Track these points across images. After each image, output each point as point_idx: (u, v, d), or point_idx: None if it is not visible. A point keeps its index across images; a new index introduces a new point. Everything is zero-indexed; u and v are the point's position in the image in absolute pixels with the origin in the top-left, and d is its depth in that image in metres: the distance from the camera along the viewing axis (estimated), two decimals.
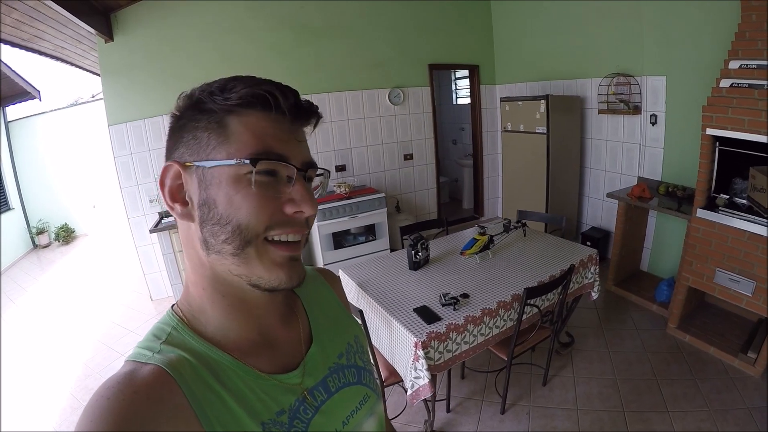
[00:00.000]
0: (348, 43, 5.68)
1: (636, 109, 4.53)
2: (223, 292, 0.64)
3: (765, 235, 2.97)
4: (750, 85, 3.01)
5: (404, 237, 3.39)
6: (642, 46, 4.40)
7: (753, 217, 3.06)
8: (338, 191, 5.33)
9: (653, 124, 4.40)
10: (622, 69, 4.56)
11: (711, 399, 2.98)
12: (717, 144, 3.31)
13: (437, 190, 6.64)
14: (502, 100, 5.66)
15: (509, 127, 5.57)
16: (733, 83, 3.10)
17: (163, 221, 4.89)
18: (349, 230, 5.38)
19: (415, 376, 2.34)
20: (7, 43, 4.62)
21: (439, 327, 2.41)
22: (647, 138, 4.51)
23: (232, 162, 0.57)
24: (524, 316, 2.66)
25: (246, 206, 0.58)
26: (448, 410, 3.06)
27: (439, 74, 8.37)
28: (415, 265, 3.12)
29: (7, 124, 8.73)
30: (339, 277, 0.97)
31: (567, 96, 5.12)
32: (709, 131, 3.25)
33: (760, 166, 3.04)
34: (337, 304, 0.89)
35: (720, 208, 3.30)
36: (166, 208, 1.64)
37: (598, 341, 3.74)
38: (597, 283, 3.19)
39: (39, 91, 8.07)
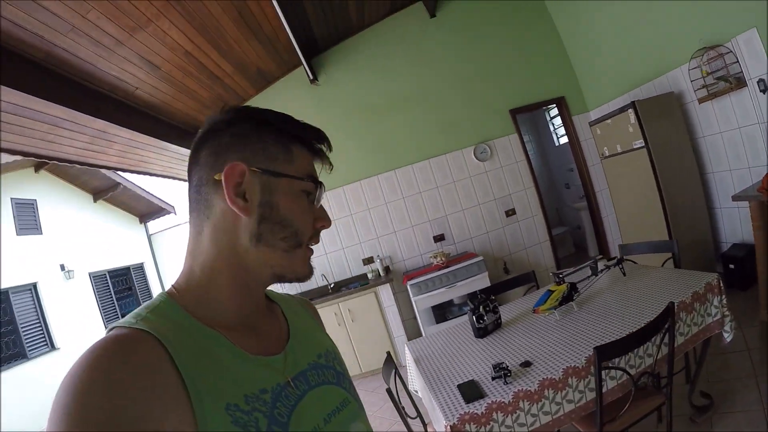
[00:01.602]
0: (419, 110, 5.57)
1: (739, 82, 3.43)
2: (239, 278, 0.73)
3: None
4: None
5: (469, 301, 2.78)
6: (718, 3, 3.47)
7: None
8: (435, 262, 4.93)
9: (764, 91, 3.25)
10: (707, 41, 3.56)
11: None
12: None
13: (551, 242, 5.76)
14: (591, 123, 4.86)
15: (606, 152, 4.70)
16: None
17: None
18: (452, 301, 4.85)
19: None
20: (118, 169, 5.16)
21: (477, 407, 1.80)
22: (765, 112, 3.38)
23: (301, 179, 0.75)
24: (610, 383, 1.91)
25: (304, 217, 0.76)
26: None
27: (534, 118, 7.80)
28: (480, 332, 2.52)
29: (149, 236, 10.96)
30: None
31: (657, 96, 4.15)
32: None
33: None
34: (312, 319, 0.98)
35: None
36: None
37: (749, 396, 2.58)
38: (729, 319, 2.21)
39: (173, 207, 9.24)
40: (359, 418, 0.84)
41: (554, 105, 6.02)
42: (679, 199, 4.12)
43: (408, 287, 4.79)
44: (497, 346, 2.35)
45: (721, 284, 2.22)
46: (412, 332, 5.34)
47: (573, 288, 2.49)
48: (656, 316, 1.85)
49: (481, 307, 2.50)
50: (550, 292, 2.43)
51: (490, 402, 1.79)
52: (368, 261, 5.38)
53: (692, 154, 4.19)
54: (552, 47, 5.79)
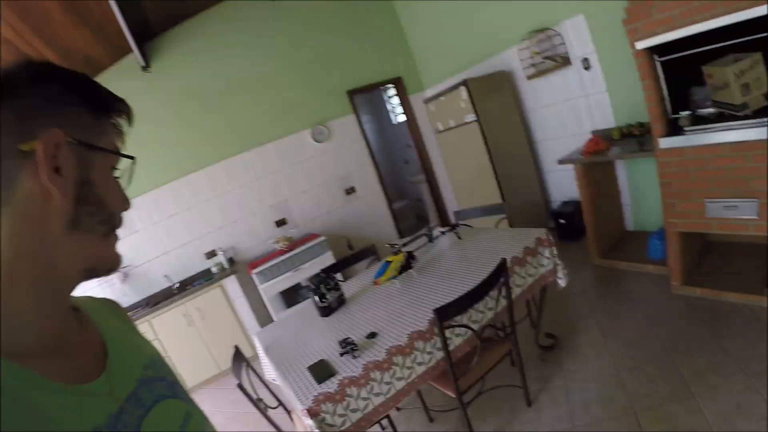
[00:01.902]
0: (257, 95, 5.33)
1: (565, 61, 3.98)
2: (45, 280, 0.57)
3: (750, 138, 2.33)
4: None
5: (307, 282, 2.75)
6: None
7: (727, 124, 2.44)
8: (278, 247, 4.80)
9: (587, 68, 3.83)
10: (537, 25, 4.05)
11: (744, 359, 2.27)
12: (655, 57, 2.72)
13: (392, 215, 6.07)
14: (425, 101, 5.16)
15: (440, 127, 5.03)
16: None
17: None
18: (299, 284, 4.82)
19: None
20: None
21: (330, 385, 1.79)
22: (587, 86, 3.94)
23: (117, 153, 0.66)
24: (456, 340, 2.04)
25: (119, 196, 0.66)
26: None
27: (373, 98, 7.97)
28: (324, 311, 2.52)
29: None
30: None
31: (488, 75, 4.58)
32: (639, 45, 2.66)
33: (713, 61, 2.44)
34: (124, 322, 0.81)
35: (685, 129, 2.66)
36: None
37: (589, 332, 3.01)
38: (561, 267, 2.52)
39: None
40: (206, 426, 0.75)
41: (392, 85, 6.22)
42: (510, 167, 4.58)
43: (253, 276, 4.62)
44: (343, 321, 2.36)
45: (550, 237, 2.49)
46: (265, 321, 5.17)
47: (410, 256, 2.61)
48: (489, 273, 1.96)
49: (321, 286, 2.47)
50: (388, 262, 2.52)
51: (341, 378, 1.79)
52: (211, 255, 5.03)
53: (521, 126, 4.71)
54: (390, 29, 6.00)
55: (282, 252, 4.76)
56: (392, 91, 7.24)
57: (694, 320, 2.72)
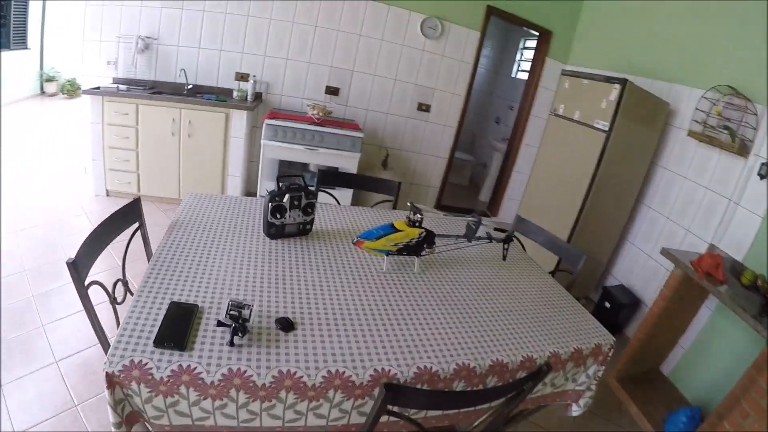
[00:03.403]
0: None
1: (743, 149, 2.80)
2: None
3: None
4: None
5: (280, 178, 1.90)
6: None
7: None
8: (309, 113, 4.00)
9: (763, 177, 2.66)
10: (740, 86, 2.87)
11: None
12: None
13: (448, 163, 5.11)
14: (564, 73, 3.98)
15: (561, 110, 3.91)
16: None
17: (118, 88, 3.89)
18: (307, 166, 4.08)
19: None
20: None
21: (167, 361, 1.06)
22: (745, 195, 2.79)
23: None
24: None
25: None
26: None
27: (506, 34, 6.75)
28: (271, 230, 1.74)
29: None
30: None
31: (652, 95, 3.41)
32: None
33: None
34: None
35: None
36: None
37: None
38: (590, 395, 1.65)
39: None
40: None
41: (537, 35, 5.04)
42: (602, 208, 3.57)
43: (264, 126, 3.86)
44: (280, 265, 1.59)
45: (610, 353, 1.61)
46: (250, 181, 4.54)
47: (428, 239, 1.76)
48: (517, 380, 1.21)
49: (288, 195, 1.70)
50: (393, 228, 1.68)
51: (187, 366, 1.06)
52: (241, 77, 4.28)
53: (643, 175, 3.61)
54: None
55: (310, 120, 3.96)
56: (532, 42, 6.00)
57: None
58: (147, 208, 3.67)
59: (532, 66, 5.11)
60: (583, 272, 3.48)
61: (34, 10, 8.07)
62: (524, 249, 2.38)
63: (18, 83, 7.83)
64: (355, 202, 4.30)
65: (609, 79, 3.36)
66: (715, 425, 2.10)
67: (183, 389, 1.04)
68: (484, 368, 1.31)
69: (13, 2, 7.40)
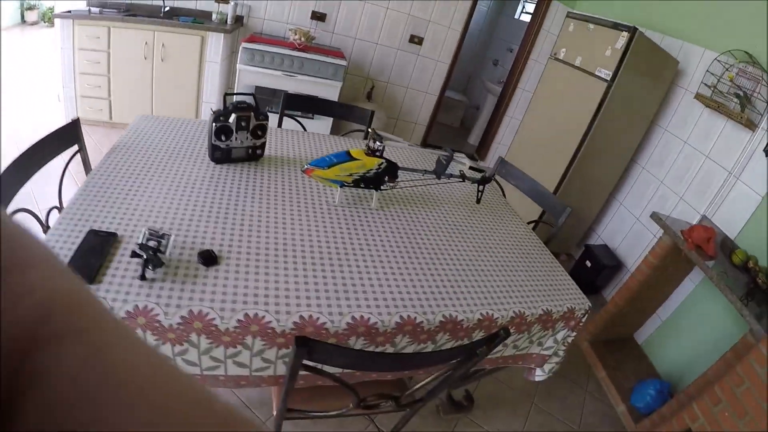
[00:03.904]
0: None
1: (751, 121, 2.58)
2: None
3: None
4: None
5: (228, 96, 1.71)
6: None
7: None
8: (291, 38, 3.75)
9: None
10: (758, 55, 2.62)
11: None
12: None
13: (438, 101, 4.87)
14: (569, 15, 3.68)
15: (562, 54, 3.64)
16: None
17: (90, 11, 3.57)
18: (285, 93, 3.85)
19: None
20: None
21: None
22: (746, 170, 2.61)
23: None
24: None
25: None
26: None
27: None
28: (215, 154, 1.60)
29: None
30: None
31: (661, 49, 3.17)
32: None
33: None
34: None
35: None
36: None
37: (513, 422, 2.21)
38: (557, 361, 1.56)
39: None
40: None
41: None
42: (594, 164, 3.37)
43: (240, 49, 3.60)
44: (218, 192, 1.47)
45: (583, 320, 1.49)
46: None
47: (390, 170, 1.61)
48: (471, 342, 1.10)
49: (234, 115, 1.55)
50: (348, 156, 1.53)
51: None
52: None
53: (641, 134, 3.40)
54: None
55: (291, 46, 3.70)
56: None
57: None
58: (117, 135, 3.51)
59: (536, 7, 4.76)
60: (566, 227, 3.33)
61: None
62: (504, 195, 2.24)
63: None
64: (334, 133, 4.12)
65: (617, 26, 3.09)
66: (683, 405, 2.03)
67: None
68: (434, 324, 1.20)
69: None
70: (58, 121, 3.78)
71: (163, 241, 1.05)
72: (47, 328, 0.16)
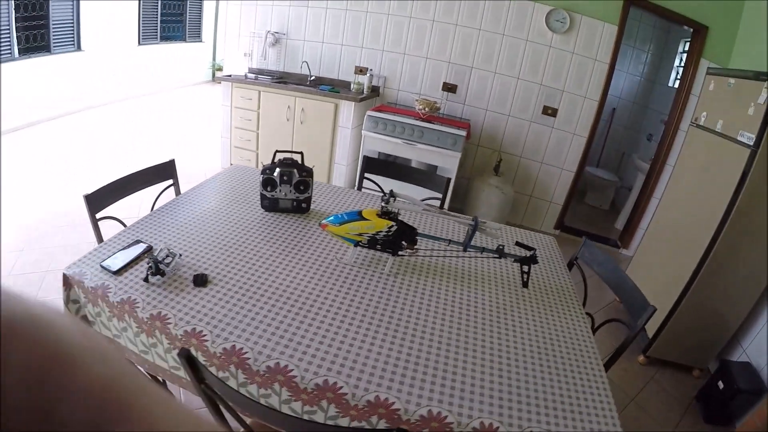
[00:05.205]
0: None
1: None
2: None
3: None
4: None
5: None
6: None
7: None
8: (417, 108, 4.02)
9: None
10: None
11: None
12: None
13: (575, 177, 4.55)
14: (709, 72, 3.22)
15: (702, 119, 3.16)
16: None
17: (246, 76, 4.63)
18: (409, 162, 4.04)
19: None
20: None
21: (101, 278, 1.34)
22: None
23: None
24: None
25: None
26: None
27: (663, 35, 5.77)
28: (264, 203, 1.90)
29: None
30: None
31: None
32: None
33: None
34: None
35: None
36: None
37: None
38: None
39: None
40: None
41: (690, 31, 4.22)
42: (738, 254, 2.69)
43: (365, 117, 4.01)
44: (250, 235, 1.73)
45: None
46: (351, 171, 4.60)
47: (408, 234, 1.60)
48: None
49: (278, 169, 1.77)
50: (359, 216, 1.60)
51: (102, 283, 1.31)
52: (360, 71, 4.50)
53: None
54: None
55: (416, 115, 4.00)
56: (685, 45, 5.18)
57: None
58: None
59: (684, 69, 4.30)
60: (701, 336, 2.88)
61: (208, 8, 9.91)
62: (584, 281, 1.98)
63: (193, 71, 9.74)
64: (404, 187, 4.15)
65: (758, 76, 2.56)
66: None
67: (100, 302, 1.31)
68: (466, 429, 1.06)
69: (189, 1, 9.18)
70: (215, 164, 4.53)
71: (168, 258, 1.28)
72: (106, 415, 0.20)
